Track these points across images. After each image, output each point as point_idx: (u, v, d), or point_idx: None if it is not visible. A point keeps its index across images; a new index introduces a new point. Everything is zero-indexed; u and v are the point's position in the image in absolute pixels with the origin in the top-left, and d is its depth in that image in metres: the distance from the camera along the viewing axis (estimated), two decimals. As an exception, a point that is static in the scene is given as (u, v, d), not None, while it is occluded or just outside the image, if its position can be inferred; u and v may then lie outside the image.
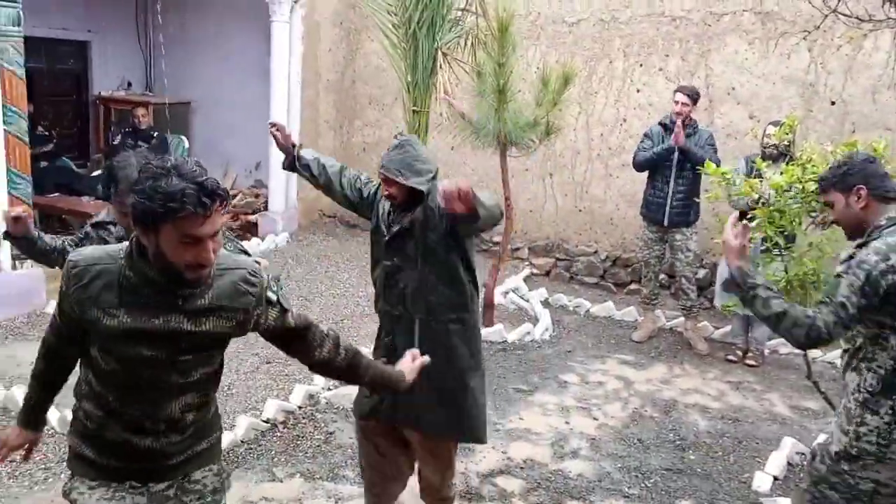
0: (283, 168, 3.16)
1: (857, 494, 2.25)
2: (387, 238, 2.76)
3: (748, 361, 5.08)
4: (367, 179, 3.04)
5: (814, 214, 3.54)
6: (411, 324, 2.73)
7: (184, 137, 7.89)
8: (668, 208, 5.26)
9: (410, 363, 2.22)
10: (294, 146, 3.09)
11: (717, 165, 3.87)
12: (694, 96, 5.28)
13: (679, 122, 5.17)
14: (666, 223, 5.30)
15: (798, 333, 2.17)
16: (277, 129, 3.08)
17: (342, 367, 2.10)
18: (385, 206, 2.82)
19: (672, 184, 5.25)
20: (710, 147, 5.23)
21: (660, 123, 5.39)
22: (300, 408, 4.06)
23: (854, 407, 2.26)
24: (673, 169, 5.24)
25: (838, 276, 2.24)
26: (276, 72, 7.43)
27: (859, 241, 2.33)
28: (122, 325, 1.72)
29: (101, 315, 1.73)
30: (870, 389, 2.23)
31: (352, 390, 4.13)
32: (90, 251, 1.79)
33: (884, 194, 2.31)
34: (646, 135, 5.44)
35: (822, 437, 3.88)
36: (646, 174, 5.48)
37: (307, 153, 3.10)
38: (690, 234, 5.33)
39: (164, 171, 1.61)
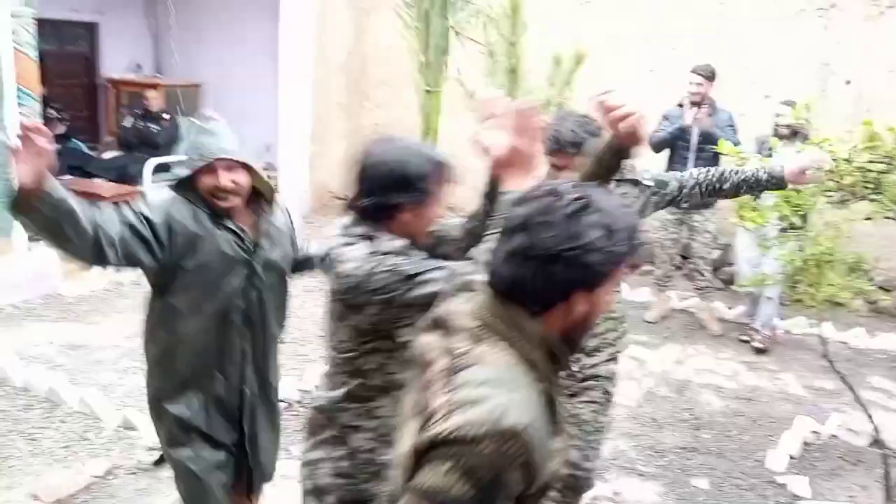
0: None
1: None
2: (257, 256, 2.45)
3: (755, 345, 5.01)
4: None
5: (829, 194, 3.52)
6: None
7: (194, 120, 7.87)
8: None
9: None
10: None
11: (737, 146, 3.85)
12: (708, 75, 5.23)
13: (687, 103, 5.13)
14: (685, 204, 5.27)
15: None
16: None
17: None
18: None
19: (691, 165, 5.20)
20: (729, 128, 5.17)
21: (678, 104, 5.35)
22: (316, 387, 4.08)
23: None
24: (692, 151, 5.20)
25: None
26: (286, 53, 7.40)
27: None
28: None
29: None
30: None
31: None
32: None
33: None
34: (664, 116, 5.40)
35: (837, 417, 3.89)
36: (663, 157, 5.45)
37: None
38: (710, 215, 5.31)
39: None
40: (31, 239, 5.14)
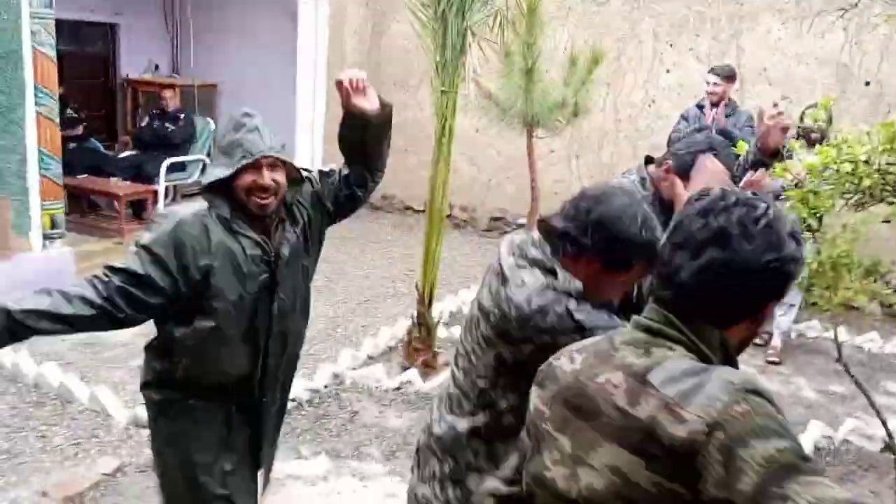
0: None
1: None
2: (279, 267, 2.18)
3: (769, 358, 4.88)
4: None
5: (847, 196, 3.47)
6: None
7: (210, 120, 7.93)
8: None
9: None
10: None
11: None
12: (727, 76, 5.17)
13: (707, 104, 5.08)
14: None
15: None
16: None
17: None
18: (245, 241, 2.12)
19: None
20: (748, 128, 5.11)
21: (697, 105, 5.30)
22: (325, 387, 4.08)
23: None
24: None
25: None
26: (302, 54, 7.43)
27: None
28: None
29: None
30: None
31: (376, 371, 4.16)
32: None
33: None
34: (682, 116, 5.35)
35: (850, 422, 3.82)
36: None
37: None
38: None
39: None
40: (46, 237, 5.18)
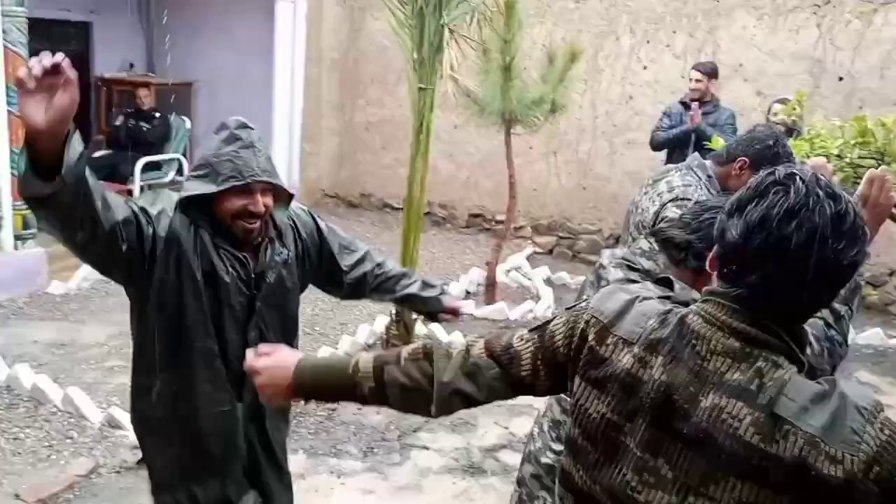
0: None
1: None
2: (258, 293, 1.98)
3: None
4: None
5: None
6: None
7: (186, 119, 7.85)
8: None
9: None
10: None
11: None
12: (710, 72, 5.20)
13: (695, 106, 5.10)
14: None
15: None
16: None
17: None
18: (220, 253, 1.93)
19: None
20: (728, 126, 5.14)
21: (680, 102, 5.33)
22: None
23: None
24: (690, 149, 5.17)
25: None
26: (279, 51, 7.38)
27: None
28: None
29: None
30: None
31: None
32: None
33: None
34: (665, 113, 5.37)
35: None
36: (661, 154, 5.43)
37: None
38: None
39: None
40: (17, 238, 5.10)
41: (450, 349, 1.33)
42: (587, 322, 1.24)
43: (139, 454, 3.24)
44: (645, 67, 6.53)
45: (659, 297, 1.23)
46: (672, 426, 1.10)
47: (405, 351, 1.35)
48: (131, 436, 3.38)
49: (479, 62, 5.29)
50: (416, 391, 1.31)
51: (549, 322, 1.31)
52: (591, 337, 1.22)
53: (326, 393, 1.42)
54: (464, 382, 1.30)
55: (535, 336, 1.30)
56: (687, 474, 1.09)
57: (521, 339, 1.30)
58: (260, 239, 1.96)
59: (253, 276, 1.95)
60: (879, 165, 3.28)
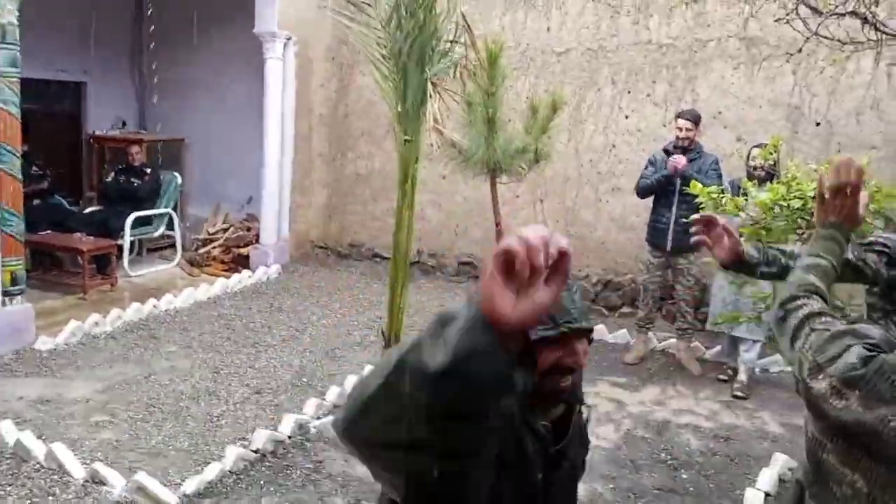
0: None
1: None
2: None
3: (735, 393, 4.89)
4: None
5: (799, 231, 3.56)
6: None
7: (177, 174, 7.95)
8: (671, 233, 5.26)
9: None
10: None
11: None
12: (695, 120, 5.33)
13: (677, 156, 5.18)
14: (669, 248, 5.31)
15: None
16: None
17: None
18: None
19: (675, 209, 5.23)
20: (713, 172, 5.22)
21: (664, 150, 5.42)
22: (290, 437, 4.02)
23: None
24: (676, 194, 5.25)
25: None
26: (269, 108, 7.52)
27: None
28: None
29: None
30: None
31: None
32: None
33: None
34: (650, 161, 5.47)
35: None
36: (647, 201, 5.51)
37: None
38: (694, 258, 5.34)
39: None
40: (6, 294, 5.10)
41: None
42: None
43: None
44: (627, 116, 6.67)
45: None
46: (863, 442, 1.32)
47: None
48: (115, 491, 3.35)
49: (463, 114, 5.40)
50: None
51: None
52: None
53: None
54: None
55: None
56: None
57: None
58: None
59: (552, 451, 1.47)
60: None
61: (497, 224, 5.54)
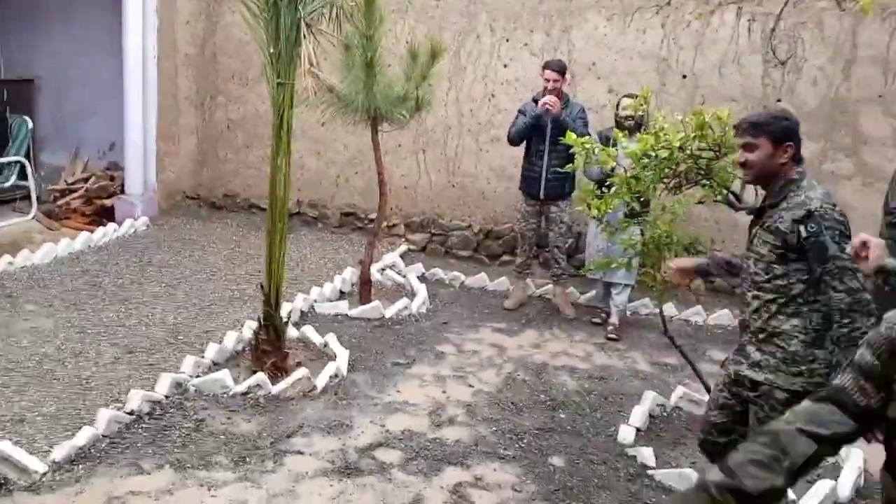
0: None
1: None
2: None
3: (609, 335, 5.14)
4: None
5: (666, 181, 3.73)
6: None
7: (27, 118, 7.29)
8: (543, 182, 5.40)
9: None
10: None
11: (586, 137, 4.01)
12: (561, 70, 5.43)
13: (545, 94, 5.29)
14: (542, 196, 5.45)
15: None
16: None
17: None
18: None
19: (546, 158, 5.38)
20: (580, 120, 5.38)
21: (533, 99, 5.50)
22: (167, 397, 3.87)
23: (801, 349, 2.48)
24: (546, 143, 5.36)
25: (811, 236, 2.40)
26: (129, 46, 6.98)
27: (773, 199, 2.53)
28: None
29: None
30: (817, 328, 2.47)
31: (222, 377, 3.99)
32: None
33: (800, 157, 2.53)
34: (520, 111, 5.55)
35: (680, 390, 4.14)
36: (521, 150, 5.60)
37: None
38: (565, 206, 5.51)
39: None
40: None
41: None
42: None
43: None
44: (505, 66, 6.71)
45: None
46: None
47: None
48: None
49: (341, 58, 5.24)
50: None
51: None
52: None
53: None
54: None
55: None
56: None
57: None
58: None
59: None
60: (717, 156, 3.56)
61: (380, 174, 5.48)
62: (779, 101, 6.00)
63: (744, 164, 2.56)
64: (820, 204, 2.42)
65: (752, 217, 2.69)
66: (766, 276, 2.53)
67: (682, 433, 3.84)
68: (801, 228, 2.42)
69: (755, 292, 2.58)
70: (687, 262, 3.09)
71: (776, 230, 2.49)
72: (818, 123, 5.81)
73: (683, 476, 3.28)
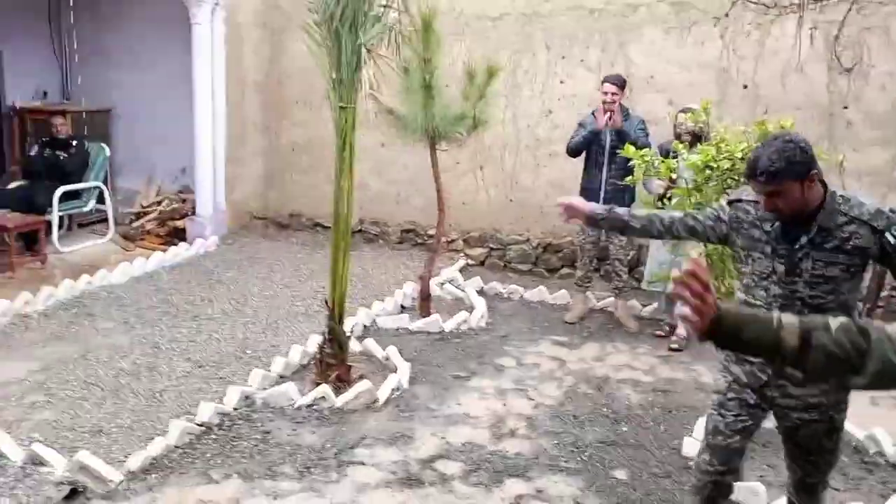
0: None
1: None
2: None
3: (671, 346, 5.09)
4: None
5: (729, 191, 3.69)
6: None
7: (105, 146, 7.67)
8: (602, 194, 5.40)
9: None
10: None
11: (647, 149, 4.01)
12: (621, 84, 5.44)
13: (602, 108, 5.32)
14: None
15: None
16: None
17: None
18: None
19: (605, 170, 5.41)
20: (640, 131, 5.39)
21: (592, 113, 5.54)
22: (235, 409, 4.00)
23: None
24: (605, 156, 5.38)
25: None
26: (198, 75, 7.30)
27: (827, 223, 2.35)
28: None
29: None
30: None
31: (288, 389, 4.11)
32: None
33: (821, 176, 2.36)
34: (580, 124, 5.60)
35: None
36: (580, 163, 5.62)
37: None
38: None
39: None
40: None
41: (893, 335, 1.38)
42: None
43: (65, 490, 3.15)
44: (562, 82, 6.74)
45: None
46: None
47: (834, 322, 1.42)
48: (56, 472, 3.29)
49: (400, 81, 5.36)
50: (844, 361, 1.38)
51: None
52: None
53: (743, 338, 1.44)
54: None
55: None
56: None
57: None
58: None
59: None
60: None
61: (438, 191, 5.57)
62: (845, 108, 5.85)
63: (775, 209, 2.37)
64: (888, 209, 2.38)
65: (775, 242, 2.44)
66: (830, 298, 2.40)
67: (750, 446, 3.75)
68: (889, 236, 2.32)
69: (809, 312, 2.36)
70: (580, 203, 3.07)
71: (852, 249, 2.35)
72: (888, 129, 5.64)
73: (751, 490, 3.21)
